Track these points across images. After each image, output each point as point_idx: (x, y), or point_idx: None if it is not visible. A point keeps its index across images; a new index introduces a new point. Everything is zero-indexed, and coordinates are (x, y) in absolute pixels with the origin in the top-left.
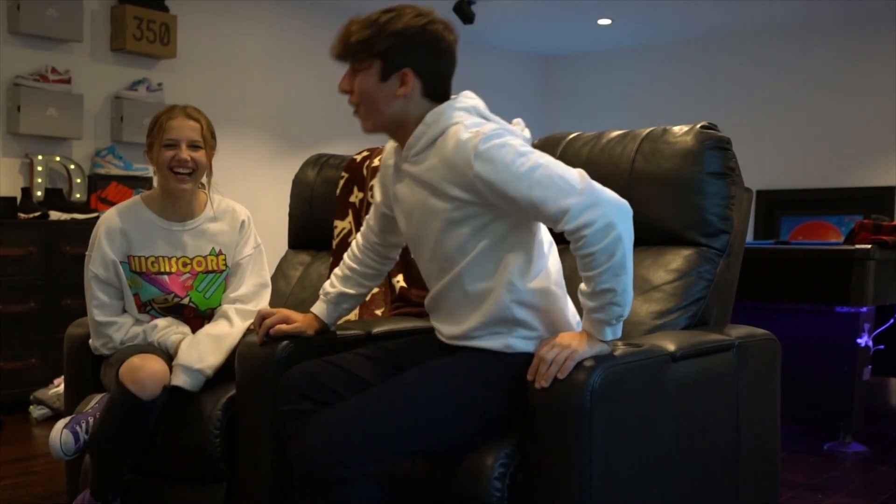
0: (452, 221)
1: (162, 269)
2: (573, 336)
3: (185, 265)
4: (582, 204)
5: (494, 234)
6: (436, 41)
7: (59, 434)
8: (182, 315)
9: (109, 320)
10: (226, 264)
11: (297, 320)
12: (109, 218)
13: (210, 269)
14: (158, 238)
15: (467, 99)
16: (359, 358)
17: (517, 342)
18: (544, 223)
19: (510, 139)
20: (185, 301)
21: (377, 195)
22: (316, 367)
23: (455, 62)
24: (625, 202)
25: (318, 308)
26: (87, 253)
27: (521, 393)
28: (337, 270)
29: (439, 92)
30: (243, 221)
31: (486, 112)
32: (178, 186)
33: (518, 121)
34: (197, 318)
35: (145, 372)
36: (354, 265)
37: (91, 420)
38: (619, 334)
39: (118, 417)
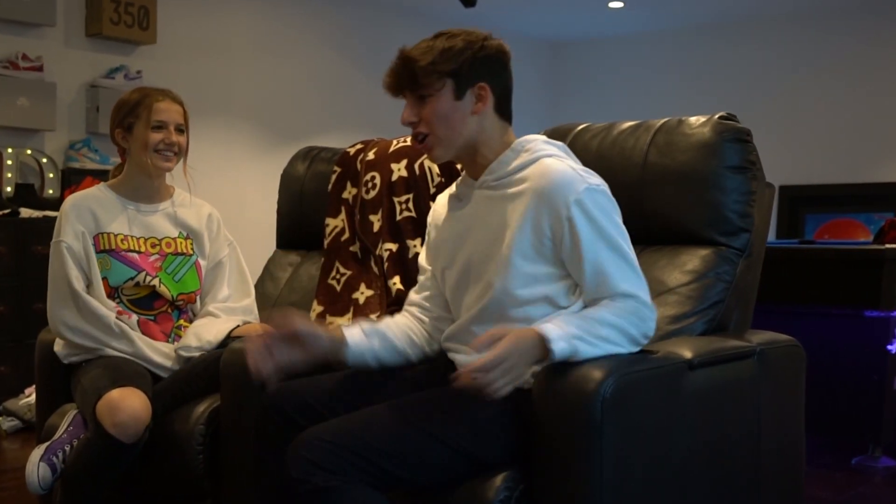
0: (524, 256)
1: (132, 248)
2: (518, 351)
3: (153, 246)
4: (646, 300)
5: (556, 290)
6: (501, 54)
7: (37, 468)
8: (153, 307)
9: (89, 298)
10: (193, 249)
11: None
12: (74, 198)
13: (179, 251)
14: (126, 218)
15: (555, 142)
16: (351, 381)
17: (530, 378)
18: (589, 286)
19: (613, 207)
20: (156, 283)
21: (423, 255)
22: (306, 390)
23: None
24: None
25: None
26: (52, 241)
27: (523, 429)
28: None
29: (507, 110)
30: (210, 214)
31: (577, 160)
32: (162, 165)
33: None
34: (168, 316)
35: (126, 413)
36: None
37: (67, 449)
38: (560, 356)
39: (96, 460)
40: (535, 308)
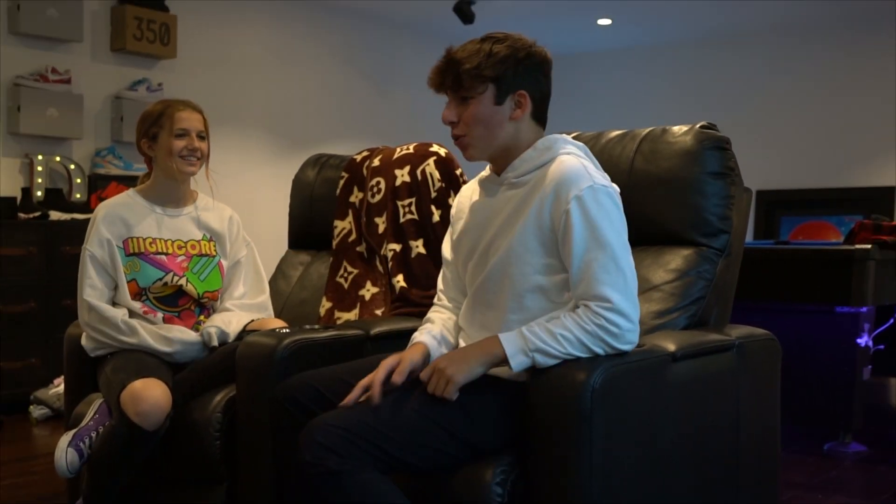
0: (526, 244)
1: (160, 250)
2: (464, 354)
3: (179, 248)
4: (623, 307)
5: (552, 283)
6: (544, 63)
7: (65, 454)
8: (177, 305)
9: (97, 304)
10: (216, 251)
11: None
12: (107, 205)
13: (204, 252)
14: (155, 222)
15: (577, 142)
16: (362, 371)
17: (524, 372)
18: (574, 281)
19: (615, 209)
20: (183, 282)
21: (447, 246)
22: (316, 380)
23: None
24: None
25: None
26: (83, 245)
27: (519, 419)
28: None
29: (544, 115)
30: (231, 217)
31: (596, 162)
32: (186, 169)
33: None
34: (191, 313)
35: (148, 403)
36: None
37: (94, 435)
38: (520, 366)
39: (120, 447)
40: (529, 297)
